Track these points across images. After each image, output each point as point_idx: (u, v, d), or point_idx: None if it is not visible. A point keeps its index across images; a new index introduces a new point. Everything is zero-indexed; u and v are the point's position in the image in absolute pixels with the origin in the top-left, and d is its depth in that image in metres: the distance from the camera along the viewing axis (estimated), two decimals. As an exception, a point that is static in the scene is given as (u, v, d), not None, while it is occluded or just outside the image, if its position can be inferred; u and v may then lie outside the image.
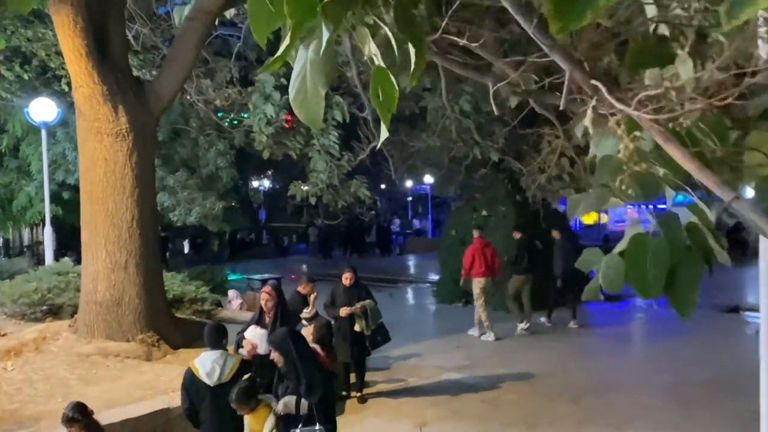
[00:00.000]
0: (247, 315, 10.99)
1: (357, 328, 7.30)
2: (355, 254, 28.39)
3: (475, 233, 11.73)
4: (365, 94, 11.35)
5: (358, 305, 7.23)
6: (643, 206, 2.49)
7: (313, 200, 13.20)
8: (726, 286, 16.81)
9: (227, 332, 4.95)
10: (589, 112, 2.17)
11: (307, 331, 7.94)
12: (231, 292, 11.99)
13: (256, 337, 5.95)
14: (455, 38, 3.04)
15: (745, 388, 7.66)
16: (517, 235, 12.05)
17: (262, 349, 5.73)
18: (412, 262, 24.92)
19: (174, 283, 9.75)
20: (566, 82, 2.17)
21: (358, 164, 13.23)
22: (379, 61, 1.90)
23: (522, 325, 11.12)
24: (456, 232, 14.08)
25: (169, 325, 7.96)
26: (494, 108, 3.55)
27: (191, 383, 4.50)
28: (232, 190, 14.56)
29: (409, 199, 45.07)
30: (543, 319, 11.83)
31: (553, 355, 9.47)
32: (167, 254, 22.51)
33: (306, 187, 13.36)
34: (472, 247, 11.39)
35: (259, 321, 6.19)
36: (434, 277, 16.52)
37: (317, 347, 5.95)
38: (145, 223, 7.60)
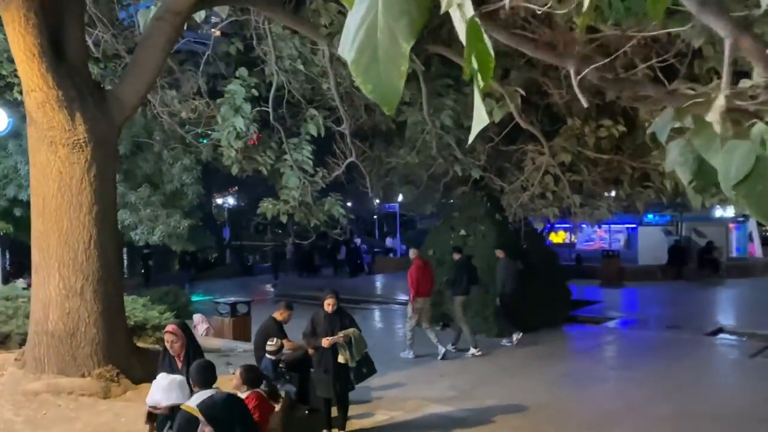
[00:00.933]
0: (215, 342, 10.29)
1: (341, 359, 6.67)
2: (320, 273, 27.82)
3: (413, 253, 11.59)
4: (343, 106, 10.81)
5: (341, 334, 6.61)
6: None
7: (284, 218, 12.58)
8: (703, 306, 16.69)
9: (215, 368, 4.52)
10: (720, 101, 1.64)
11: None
12: (196, 317, 11.24)
13: (161, 389, 4.98)
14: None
15: (750, 422, 7.29)
16: (456, 256, 11.94)
17: (171, 400, 4.86)
18: (381, 282, 24.31)
19: (135, 308, 9.01)
20: (728, 53, 1.64)
21: (332, 181, 12.71)
22: (468, 9, 1.32)
23: (473, 351, 10.82)
24: (434, 252, 13.56)
25: (129, 357, 7.23)
26: (580, 97, 2.99)
27: (187, 425, 3.84)
28: (197, 207, 13.83)
29: (375, 217, 44.64)
30: (506, 341, 11.70)
31: (541, 384, 8.98)
32: (124, 274, 21.50)
33: (277, 205, 12.76)
34: (414, 266, 11.20)
35: (169, 366, 5.28)
36: (406, 297, 15.96)
37: (248, 394, 4.90)
38: (104, 244, 6.89)
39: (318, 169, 12.04)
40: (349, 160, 11.68)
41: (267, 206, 12.43)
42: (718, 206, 27.13)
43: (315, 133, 11.31)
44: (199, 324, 11.01)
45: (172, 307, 11.16)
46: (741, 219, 28.03)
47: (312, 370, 7.12)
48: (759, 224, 32.31)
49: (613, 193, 11.54)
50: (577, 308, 15.11)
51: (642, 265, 24.03)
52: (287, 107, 11.99)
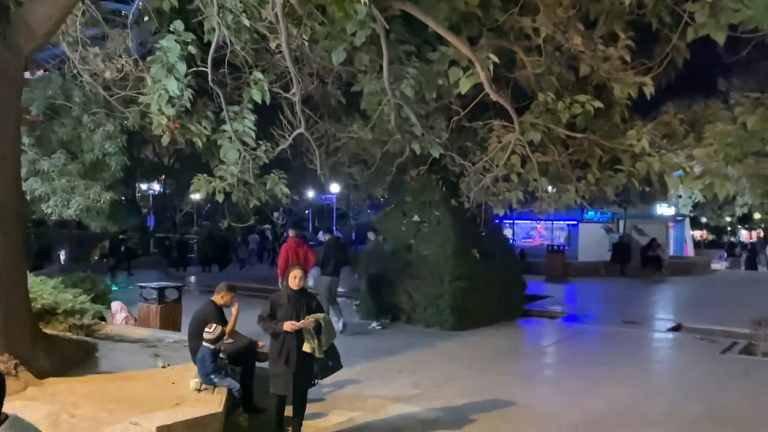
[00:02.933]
0: (138, 332, 8.97)
1: (307, 348, 5.57)
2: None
3: (291, 232, 11.53)
4: (294, 68, 9.67)
5: (311, 318, 5.52)
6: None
7: (220, 197, 11.32)
8: (654, 302, 16.44)
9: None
10: None
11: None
12: (115, 304, 9.89)
13: None
14: None
15: (749, 424, 6.67)
16: (326, 237, 12.22)
17: None
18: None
19: (43, 290, 7.65)
20: None
21: (276, 157, 11.56)
22: None
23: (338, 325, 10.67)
24: (383, 238, 12.60)
25: (33, 346, 5.94)
26: None
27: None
28: (121, 181, 12.36)
29: (307, 212, 43.33)
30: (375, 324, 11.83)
31: (514, 381, 8.19)
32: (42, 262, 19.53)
33: (212, 182, 11.48)
34: (286, 245, 11.12)
35: None
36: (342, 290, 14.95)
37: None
38: (2, 206, 5.56)
39: (261, 142, 10.87)
40: (298, 131, 10.55)
41: (201, 183, 11.17)
42: (661, 203, 27.48)
43: (259, 100, 10.10)
44: (118, 312, 9.67)
45: (88, 293, 9.74)
46: (679, 218, 28.46)
47: (265, 362, 6.00)
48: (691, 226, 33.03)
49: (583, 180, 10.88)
50: (529, 302, 14.47)
51: (586, 261, 23.86)
52: (229, 70, 10.76)
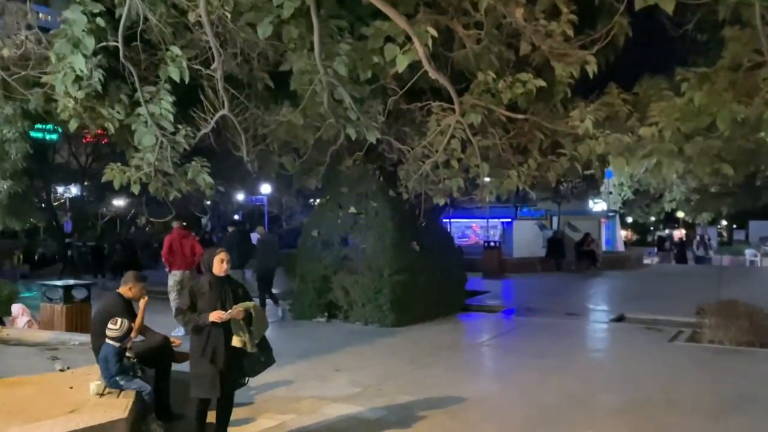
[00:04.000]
0: (39, 335, 7.91)
1: (236, 343, 4.78)
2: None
3: (175, 224, 11.05)
4: (215, 40, 8.83)
5: (240, 307, 4.74)
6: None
7: (135, 189, 10.34)
8: (592, 294, 16.30)
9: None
10: None
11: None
12: (15, 307, 8.82)
13: None
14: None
15: (707, 410, 6.30)
16: (229, 229, 12.64)
17: None
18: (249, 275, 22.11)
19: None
20: None
21: (198, 144, 10.68)
22: None
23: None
24: (319, 233, 11.85)
25: None
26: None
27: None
28: (24, 173, 11.12)
29: (238, 216, 41.93)
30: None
31: (461, 376, 7.65)
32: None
33: (127, 172, 10.48)
34: (170, 237, 10.75)
35: None
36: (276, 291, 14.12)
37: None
38: None
39: (180, 126, 9.96)
40: (221, 113, 9.71)
41: (113, 173, 10.18)
42: (594, 200, 27.82)
43: (177, 78, 9.21)
44: (19, 316, 8.58)
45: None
46: (611, 215, 28.86)
47: (183, 363, 5.19)
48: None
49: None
50: (468, 297, 13.98)
51: (522, 257, 23.75)
52: (143, 46, 9.82)
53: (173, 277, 10.54)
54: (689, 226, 45.54)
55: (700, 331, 10.12)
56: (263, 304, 12.09)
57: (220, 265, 4.86)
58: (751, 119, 7.60)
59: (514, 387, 7.12)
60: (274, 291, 12.47)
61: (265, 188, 32.88)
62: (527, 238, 25.92)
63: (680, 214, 43.26)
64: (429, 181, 10.69)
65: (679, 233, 39.75)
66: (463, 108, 9.37)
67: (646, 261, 28.34)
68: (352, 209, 11.71)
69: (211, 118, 9.87)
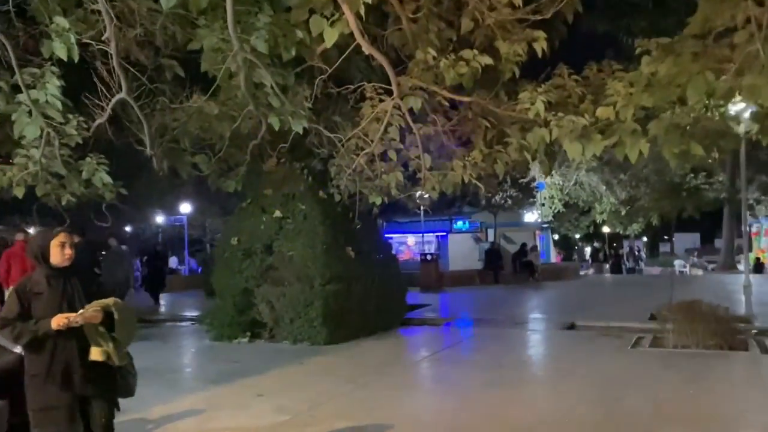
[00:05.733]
0: None
1: (96, 355, 3.43)
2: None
3: (20, 236, 10.22)
4: (107, 6, 7.47)
5: (95, 306, 3.40)
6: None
7: (19, 192, 8.79)
8: (536, 304, 15.47)
9: None
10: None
11: None
12: None
13: None
14: None
15: (696, 417, 5.34)
16: (76, 239, 10.47)
17: None
18: (167, 299, 20.29)
19: None
20: None
21: (95, 136, 9.19)
22: None
23: None
24: (239, 241, 10.46)
25: None
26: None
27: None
28: None
29: (158, 238, 39.57)
30: None
31: (411, 396, 6.48)
32: None
33: (8, 172, 8.92)
34: (9, 251, 10.02)
35: None
36: (194, 313, 12.59)
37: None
38: None
39: (71, 116, 8.47)
40: (118, 96, 8.28)
41: (-7, 172, 8.60)
42: (527, 211, 27.38)
43: (64, 57, 7.78)
44: None
45: None
46: (545, 226, 28.54)
47: (27, 390, 3.75)
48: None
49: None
50: (408, 311, 12.82)
51: (459, 270, 22.88)
52: (23, 21, 8.34)
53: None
54: (614, 241, 46.37)
55: (661, 336, 9.34)
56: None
57: (59, 251, 3.52)
58: (719, 91, 6.79)
59: (473, 404, 5.97)
60: None
61: (185, 207, 30.86)
62: (463, 251, 25.21)
63: (606, 229, 43.90)
64: (364, 177, 9.54)
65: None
66: (402, 90, 8.30)
67: (582, 272, 28.09)
68: (278, 213, 10.43)
69: (107, 105, 8.47)
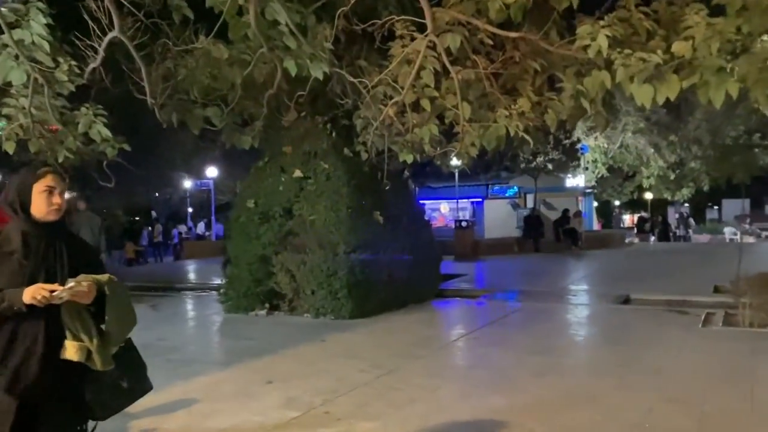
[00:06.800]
0: None
1: (71, 353, 2.39)
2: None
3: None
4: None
5: (84, 281, 2.35)
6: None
7: (9, 147, 7.87)
8: (583, 275, 14.25)
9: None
10: None
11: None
12: None
13: None
14: None
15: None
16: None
17: None
18: (191, 267, 19.61)
19: None
20: None
21: (90, 81, 8.21)
22: None
23: None
24: (256, 203, 9.45)
25: None
26: None
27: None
28: None
29: (189, 208, 39.12)
30: None
31: (438, 386, 5.40)
32: None
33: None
34: None
35: None
36: (216, 282, 11.70)
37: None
38: None
39: (62, 59, 7.48)
40: (112, 34, 7.26)
41: (-23, 125, 7.71)
42: (569, 175, 25.86)
43: (53, -7, 6.78)
44: None
45: None
46: (588, 191, 27.02)
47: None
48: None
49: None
50: (442, 281, 11.75)
51: (496, 237, 21.68)
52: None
53: None
54: (657, 207, 44.59)
55: (734, 312, 8.11)
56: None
57: (44, 199, 2.46)
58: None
59: (524, 399, 4.88)
60: None
61: (212, 171, 30.01)
62: (500, 217, 23.97)
63: (649, 195, 42.10)
64: (393, 131, 8.40)
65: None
66: (438, 25, 7.09)
67: (627, 240, 26.62)
68: (298, 173, 9.36)
69: (101, 46, 7.46)
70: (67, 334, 2.42)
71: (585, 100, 7.57)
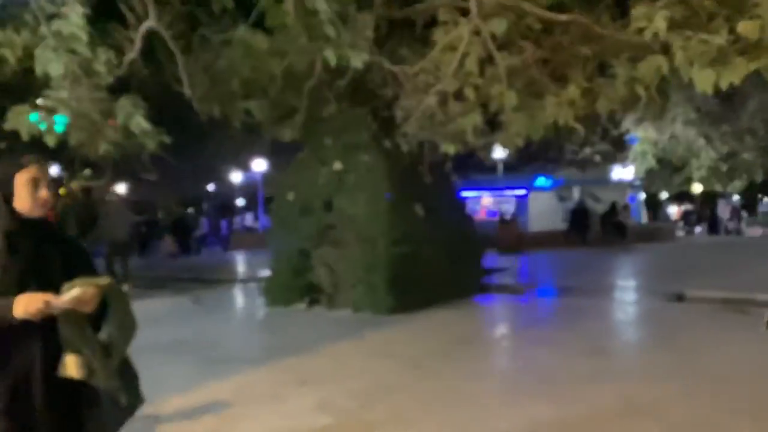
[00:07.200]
0: None
1: (73, 370, 2.06)
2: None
3: None
4: None
5: (82, 287, 2.01)
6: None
7: (50, 140, 7.78)
8: (634, 271, 13.63)
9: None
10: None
11: None
12: None
13: None
14: None
15: None
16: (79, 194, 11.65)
17: None
18: (239, 258, 19.59)
19: None
20: None
21: (130, 74, 8.10)
22: None
23: None
24: (296, 196, 9.18)
25: None
26: None
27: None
28: None
29: (239, 199, 39.39)
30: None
31: (485, 390, 5.07)
32: None
33: (40, 113, 7.93)
34: None
35: None
36: (262, 274, 11.49)
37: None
38: None
39: (101, 50, 7.34)
40: (147, 24, 7.08)
41: (19, 118, 7.62)
42: (616, 167, 24.99)
43: (89, -20, 6.65)
44: None
45: None
46: (636, 184, 26.06)
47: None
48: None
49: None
50: (485, 275, 11.28)
51: (541, 230, 21.04)
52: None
53: None
54: (705, 200, 43.06)
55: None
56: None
57: (30, 192, 2.12)
58: None
59: (578, 410, 4.46)
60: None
61: (259, 164, 29.99)
62: (544, 210, 23.23)
63: (697, 188, 40.62)
64: (435, 121, 8.01)
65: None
66: (483, 10, 6.67)
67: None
68: (338, 165, 9.07)
69: (137, 33, 7.28)
70: (66, 348, 2.12)
71: (639, 86, 7.08)
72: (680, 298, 9.61)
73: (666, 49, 6.73)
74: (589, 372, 5.38)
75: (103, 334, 2.20)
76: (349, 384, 5.11)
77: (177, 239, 21.91)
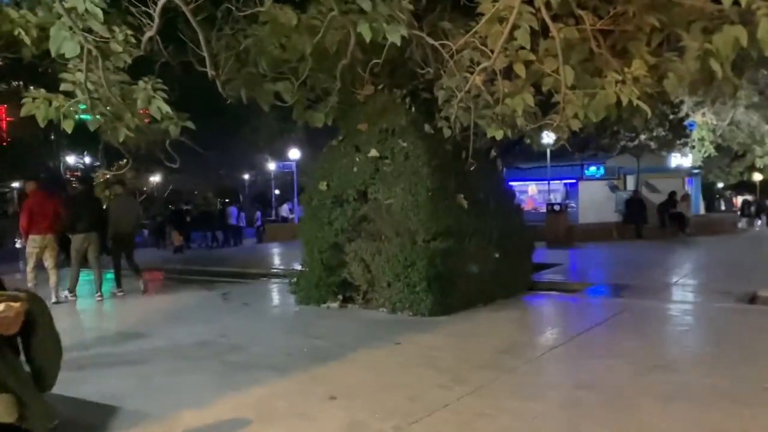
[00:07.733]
0: None
1: (3, 414, 1.61)
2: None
3: (31, 186, 9.99)
4: None
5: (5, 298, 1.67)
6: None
7: (68, 126, 7.45)
8: (700, 268, 12.74)
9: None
10: None
11: None
12: None
13: None
14: None
15: None
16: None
17: None
18: (272, 251, 19.26)
19: None
20: None
21: (148, 55, 7.67)
22: None
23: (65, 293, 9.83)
24: (329, 186, 8.66)
25: None
26: None
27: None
28: None
29: (275, 190, 39.27)
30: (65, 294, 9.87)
31: (538, 411, 4.36)
32: None
33: (56, 100, 7.59)
34: (31, 200, 9.66)
35: None
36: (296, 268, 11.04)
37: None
38: None
39: (118, 28, 6.92)
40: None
41: (35, 103, 7.29)
42: (675, 154, 23.85)
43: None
44: None
45: None
46: (695, 172, 24.89)
47: None
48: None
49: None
50: (534, 272, 10.61)
51: (592, 222, 20.17)
52: None
53: (32, 243, 9.46)
54: (765, 190, 41.47)
55: None
56: (117, 281, 10.49)
57: None
58: None
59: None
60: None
61: (294, 153, 29.69)
62: (596, 200, 22.33)
63: (758, 177, 39.02)
64: (481, 103, 7.36)
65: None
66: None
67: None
68: (374, 152, 8.50)
69: (156, 11, 6.83)
70: None
71: (715, 61, 6.31)
72: (752, 299, 8.80)
73: (746, 18, 5.98)
74: (661, 389, 4.68)
75: (31, 361, 1.70)
76: (383, 400, 4.54)
77: (200, 231, 21.76)
